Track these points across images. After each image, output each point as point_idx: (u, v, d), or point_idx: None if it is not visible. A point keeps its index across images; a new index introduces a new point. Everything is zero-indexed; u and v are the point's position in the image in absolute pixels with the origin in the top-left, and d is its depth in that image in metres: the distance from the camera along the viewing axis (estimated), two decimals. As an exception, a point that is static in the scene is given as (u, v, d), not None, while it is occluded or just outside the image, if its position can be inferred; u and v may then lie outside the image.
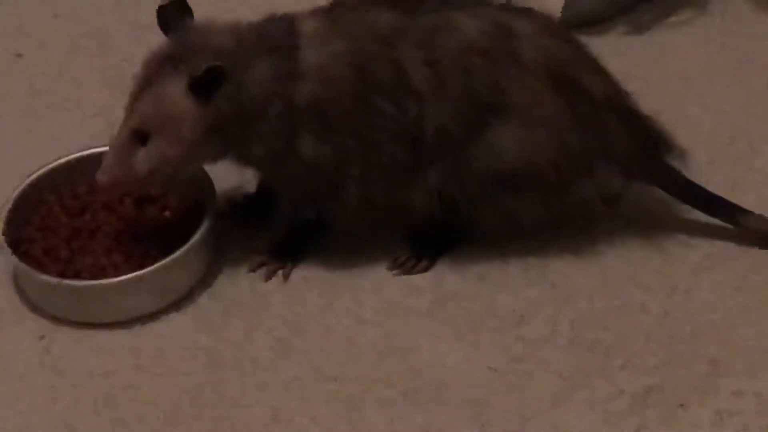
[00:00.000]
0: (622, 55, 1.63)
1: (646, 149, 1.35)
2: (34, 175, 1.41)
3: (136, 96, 1.29)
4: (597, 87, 1.33)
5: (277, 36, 1.30)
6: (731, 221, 1.38)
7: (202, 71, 1.24)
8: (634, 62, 1.63)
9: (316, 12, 1.32)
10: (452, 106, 1.30)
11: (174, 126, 1.27)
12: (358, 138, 1.30)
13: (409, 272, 1.38)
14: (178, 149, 1.28)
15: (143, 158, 1.29)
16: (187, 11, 1.31)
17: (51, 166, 1.42)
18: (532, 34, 1.32)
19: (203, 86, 1.25)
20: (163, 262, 1.32)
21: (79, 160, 1.43)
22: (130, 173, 1.29)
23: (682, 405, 1.24)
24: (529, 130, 1.31)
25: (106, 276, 1.33)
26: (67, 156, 1.43)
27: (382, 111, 1.30)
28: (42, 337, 1.32)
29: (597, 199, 1.36)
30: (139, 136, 1.28)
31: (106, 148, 1.38)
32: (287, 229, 1.39)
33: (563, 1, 1.65)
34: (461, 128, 1.30)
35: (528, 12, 1.34)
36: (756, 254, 1.37)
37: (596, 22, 1.68)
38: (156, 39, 1.69)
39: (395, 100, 1.30)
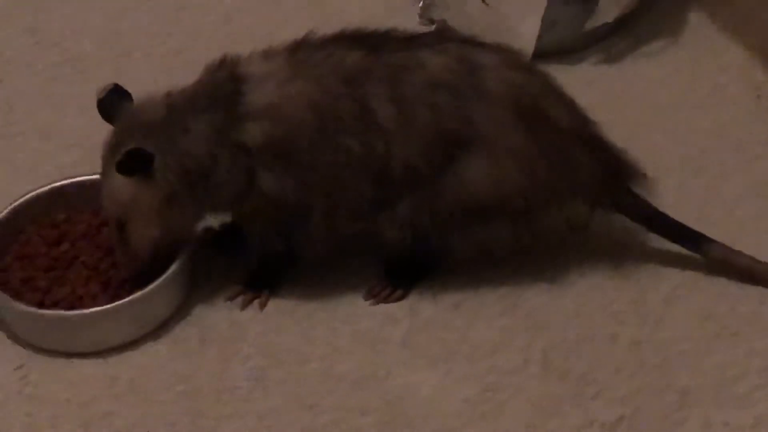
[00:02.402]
0: (594, 85, 1.65)
1: (612, 177, 1.37)
2: (13, 205, 1.42)
3: (101, 190, 1.33)
4: (562, 116, 1.35)
5: (213, 88, 1.32)
6: (696, 250, 1.40)
7: (121, 156, 1.27)
8: (606, 92, 1.65)
9: (269, 53, 1.34)
10: (419, 142, 1.31)
11: (133, 209, 1.31)
12: (320, 174, 1.32)
13: (384, 301, 1.40)
14: (151, 227, 1.32)
15: (133, 243, 1.33)
16: (125, 95, 1.34)
17: (29, 195, 1.43)
18: (496, 67, 1.34)
19: (134, 167, 1.28)
20: (140, 292, 1.33)
21: (58, 189, 1.44)
22: (136, 257, 1.33)
23: (652, 435, 1.26)
24: (497, 161, 1.32)
25: (83, 305, 1.34)
26: (45, 185, 1.44)
27: (347, 148, 1.31)
28: (20, 366, 1.33)
29: (565, 226, 1.38)
30: (120, 226, 1.32)
31: (85, 177, 1.43)
32: (259, 261, 1.41)
33: (537, 33, 1.67)
34: (429, 163, 1.32)
35: (491, 46, 1.36)
36: (724, 284, 1.39)
37: (569, 53, 1.70)
38: (136, 66, 1.73)
39: (361, 138, 1.31)
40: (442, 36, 1.38)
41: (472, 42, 1.37)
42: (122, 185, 1.30)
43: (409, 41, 1.35)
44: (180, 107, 1.31)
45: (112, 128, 1.33)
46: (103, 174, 1.33)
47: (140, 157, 1.28)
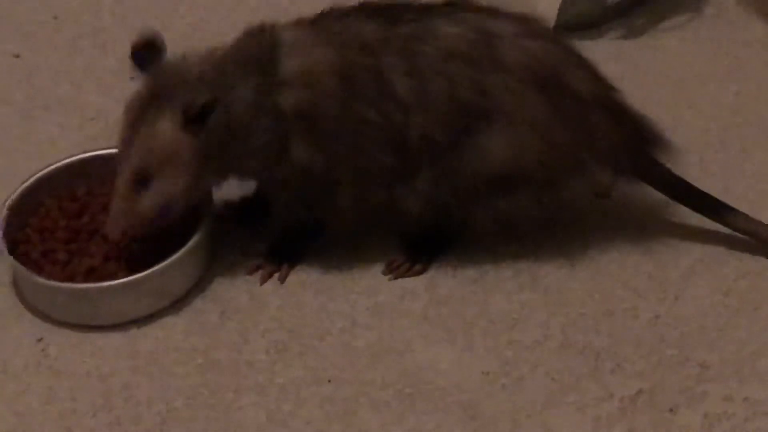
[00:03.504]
0: (616, 59, 1.64)
1: (635, 144, 1.36)
2: (33, 178, 1.42)
3: (128, 141, 1.30)
4: (582, 83, 1.34)
5: (254, 51, 1.31)
6: (718, 219, 1.39)
7: (198, 107, 1.26)
8: (628, 66, 1.64)
9: (299, 22, 1.34)
10: (436, 113, 1.31)
11: (174, 162, 1.29)
12: (345, 143, 1.32)
13: (403, 275, 1.39)
14: (182, 183, 1.30)
15: (149, 200, 1.30)
16: (162, 47, 1.32)
17: (49, 168, 1.43)
18: (513, 36, 1.33)
19: (197, 119, 1.27)
20: (160, 265, 1.33)
21: (78, 163, 1.44)
22: (137, 219, 1.31)
23: (671, 409, 1.25)
24: (516, 131, 1.32)
25: (103, 278, 1.34)
26: (65, 158, 1.44)
27: (366, 118, 1.31)
28: (40, 339, 1.34)
29: (589, 194, 1.38)
30: (141, 180, 1.30)
31: (105, 151, 1.42)
32: (283, 232, 1.41)
33: (557, 7, 1.67)
34: (447, 134, 1.32)
35: (508, 15, 1.36)
36: (745, 258, 1.39)
37: (591, 26, 1.70)
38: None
39: (379, 108, 1.31)
40: (459, 6, 1.37)
41: (489, 12, 1.36)
42: (171, 135, 1.28)
43: (425, 12, 1.34)
44: (227, 66, 1.30)
45: (149, 77, 1.31)
46: (137, 124, 1.29)
47: (208, 110, 1.27)
